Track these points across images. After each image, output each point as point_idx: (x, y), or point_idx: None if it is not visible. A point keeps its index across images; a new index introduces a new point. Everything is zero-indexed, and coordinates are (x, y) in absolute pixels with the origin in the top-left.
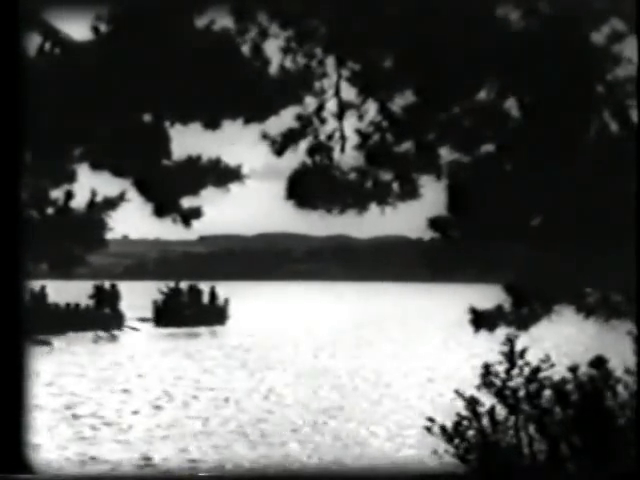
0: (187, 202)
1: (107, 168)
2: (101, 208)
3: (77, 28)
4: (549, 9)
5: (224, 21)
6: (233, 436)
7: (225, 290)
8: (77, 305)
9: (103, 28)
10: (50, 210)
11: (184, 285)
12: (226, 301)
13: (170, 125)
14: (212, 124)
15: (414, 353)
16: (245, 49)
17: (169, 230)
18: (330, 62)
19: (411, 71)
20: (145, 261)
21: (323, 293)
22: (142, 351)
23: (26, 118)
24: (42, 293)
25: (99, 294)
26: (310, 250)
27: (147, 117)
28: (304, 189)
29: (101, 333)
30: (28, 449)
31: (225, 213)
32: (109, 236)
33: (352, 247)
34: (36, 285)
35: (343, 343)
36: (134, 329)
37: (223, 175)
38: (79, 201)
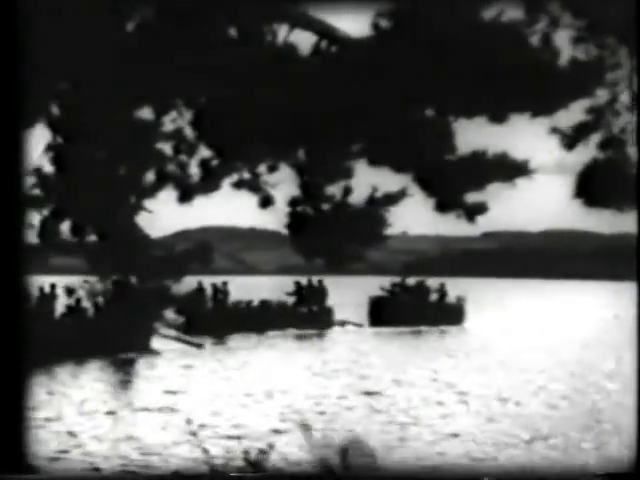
0: (471, 197)
1: (386, 164)
2: (381, 204)
3: (355, 25)
4: None
5: (512, 12)
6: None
7: (498, 287)
8: (269, 302)
9: (384, 24)
10: (326, 206)
11: (412, 281)
12: (460, 299)
13: (454, 120)
14: (498, 118)
15: None
16: (534, 40)
17: (450, 226)
18: (623, 52)
19: None
20: (423, 257)
21: (610, 293)
22: (363, 349)
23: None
24: (224, 290)
25: (299, 291)
26: (597, 249)
27: (429, 112)
28: (595, 185)
29: (305, 331)
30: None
31: (510, 209)
32: (388, 232)
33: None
34: (218, 282)
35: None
36: (345, 324)
37: (509, 170)
38: (356, 197)
